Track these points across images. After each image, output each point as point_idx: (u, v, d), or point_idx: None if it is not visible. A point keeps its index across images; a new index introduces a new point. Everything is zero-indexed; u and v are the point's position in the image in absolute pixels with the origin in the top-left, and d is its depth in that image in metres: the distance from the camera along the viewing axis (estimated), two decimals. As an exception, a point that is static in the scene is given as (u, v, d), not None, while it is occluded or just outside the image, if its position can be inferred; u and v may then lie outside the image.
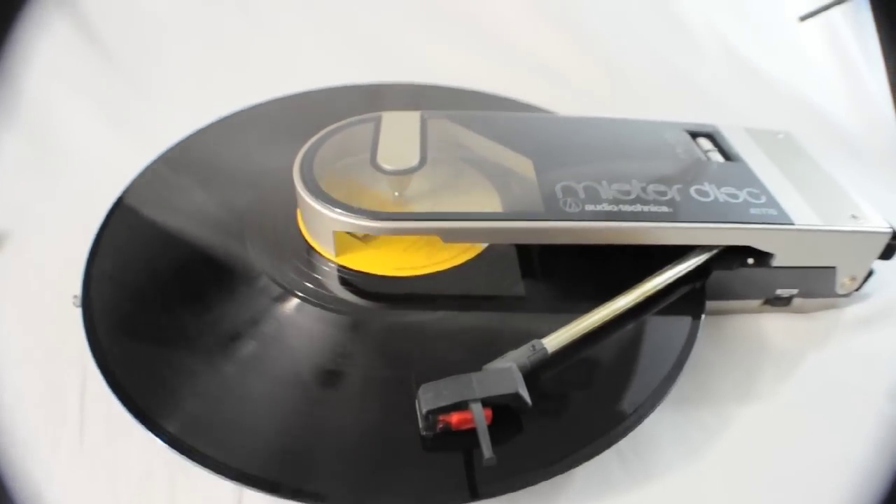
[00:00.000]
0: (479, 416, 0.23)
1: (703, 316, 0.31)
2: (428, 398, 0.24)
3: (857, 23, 0.52)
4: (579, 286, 0.31)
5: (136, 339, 0.29)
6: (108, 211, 0.35)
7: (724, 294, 0.33)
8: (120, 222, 0.35)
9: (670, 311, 0.31)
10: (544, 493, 0.27)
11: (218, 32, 0.54)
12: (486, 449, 0.23)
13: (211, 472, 0.24)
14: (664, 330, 0.30)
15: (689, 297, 0.31)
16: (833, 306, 0.35)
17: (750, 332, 0.34)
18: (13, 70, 0.46)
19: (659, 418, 0.30)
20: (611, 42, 0.53)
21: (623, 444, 0.29)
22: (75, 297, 0.31)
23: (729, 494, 0.27)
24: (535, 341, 0.27)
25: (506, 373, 0.25)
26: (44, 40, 0.48)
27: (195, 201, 0.36)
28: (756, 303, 0.34)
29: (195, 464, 0.24)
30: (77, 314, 0.30)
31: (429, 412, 0.24)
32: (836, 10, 0.44)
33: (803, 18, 0.42)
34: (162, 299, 0.31)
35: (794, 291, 0.34)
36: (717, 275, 0.32)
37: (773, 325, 0.34)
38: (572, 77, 0.52)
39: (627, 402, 0.27)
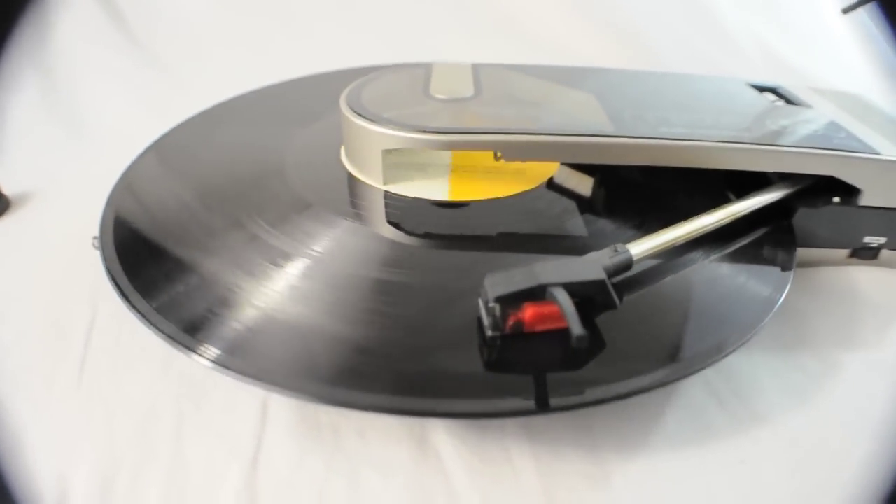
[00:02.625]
0: (565, 299, 0.19)
1: (795, 252, 0.27)
2: (495, 283, 0.20)
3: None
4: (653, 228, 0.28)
5: (163, 261, 0.26)
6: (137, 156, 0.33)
7: (811, 241, 0.30)
8: (147, 163, 0.33)
9: (759, 245, 0.27)
10: (631, 438, 0.23)
11: (246, 25, 0.55)
12: (576, 326, 0.18)
13: (265, 386, 0.20)
14: (754, 262, 0.27)
15: (778, 235, 0.28)
16: (924, 263, 0.31)
17: (842, 284, 0.30)
18: (53, 61, 0.47)
19: (756, 362, 0.26)
20: (651, 41, 0.53)
21: (720, 386, 0.25)
22: (94, 238, 0.28)
23: (850, 438, 0.23)
24: (617, 245, 0.23)
25: (588, 262, 0.21)
26: (83, 34, 0.50)
27: (229, 146, 0.34)
28: (843, 253, 0.31)
29: (248, 380, 0.20)
30: (95, 257, 0.27)
31: (497, 299, 0.19)
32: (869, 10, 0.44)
33: (846, 11, 0.41)
34: (192, 227, 0.28)
35: (883, 240, 0.30)
36: (802, 217, 0.29)
37: (866, 278, 0.30)
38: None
39: (716, 329, 0.23)
